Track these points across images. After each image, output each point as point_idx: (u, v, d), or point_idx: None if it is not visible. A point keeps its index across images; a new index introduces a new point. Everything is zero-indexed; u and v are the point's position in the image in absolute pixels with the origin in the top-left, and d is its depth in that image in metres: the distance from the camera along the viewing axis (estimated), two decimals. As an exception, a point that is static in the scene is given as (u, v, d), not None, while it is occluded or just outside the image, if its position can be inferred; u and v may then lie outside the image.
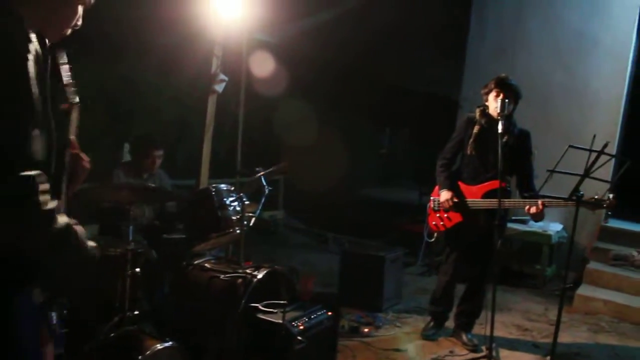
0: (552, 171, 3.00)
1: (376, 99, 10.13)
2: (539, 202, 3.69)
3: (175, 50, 6.15)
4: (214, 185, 3.87)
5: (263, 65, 6.81)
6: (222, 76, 4.85)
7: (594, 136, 2.92)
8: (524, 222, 6.40)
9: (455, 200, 4.04)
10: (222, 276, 3.45)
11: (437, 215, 4.19)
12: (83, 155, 1.77)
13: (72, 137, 1.67)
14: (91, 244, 1.50)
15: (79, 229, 1.47)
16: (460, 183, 4.12)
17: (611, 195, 3.33)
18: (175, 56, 6.23)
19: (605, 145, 2.99)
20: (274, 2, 5.64)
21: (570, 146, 2.86)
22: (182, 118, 7.43)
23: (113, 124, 6.70)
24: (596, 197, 3.29)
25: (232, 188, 3.87)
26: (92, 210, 4.15)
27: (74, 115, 1.61)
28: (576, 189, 3.12)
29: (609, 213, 3.35)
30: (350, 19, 8.03)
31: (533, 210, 3.73)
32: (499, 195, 3.61)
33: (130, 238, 3.55)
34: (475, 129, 4.03)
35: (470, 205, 4.02)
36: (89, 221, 4.86)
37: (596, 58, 6.56)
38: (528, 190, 3.96)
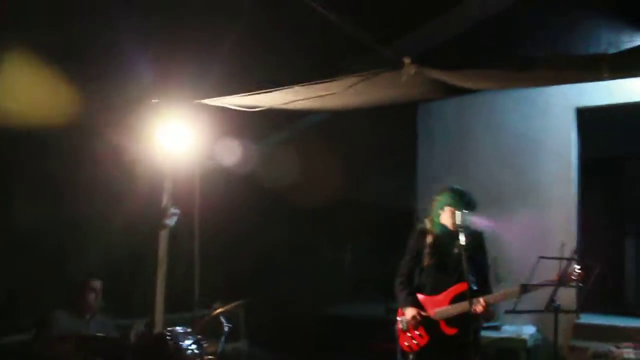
0: (525, 285, 2.90)
1: (334, 216, 10.10)
2: (481, 299, 3.67)
3: (123, 186, 6.03)
4: (169, 329, 3.63)
5: (215, 191, 6.72)
6: (173, 210, 4.73)
7: (562, 244, 2.87)
8: (496, 328, 6.23)
9: (423, 314, 3.90)
10: None
11: (408, 334, 4.01)
12: None
13: None
14: None
15: None
16: (422, 297, 4.00)
17: (577, 267, 3.26)
18: (124, 191, 6.10)
19: (575, 251, 2.93)
20: (222, 129, 5.65)
21: (541, 257, 2.79)
22: (134, 253, 7.16)
23: (60, 267, 6.38)
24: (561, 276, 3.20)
25: (189, 330, 3.63)
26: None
27: None
28: (552, 299, 3.01)
29: (580, 285, 3.23)
30: (300, 139, 8.16)
31: (479, 309, 3.67)
32: (469, 297, 3.57)
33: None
34: (429, 238, 4.01)
35: (440, 315, 3.88)
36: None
37: (542, 158, 6.73)
38: (483, 289, 3.87)
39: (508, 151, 6.93)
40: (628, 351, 5.74)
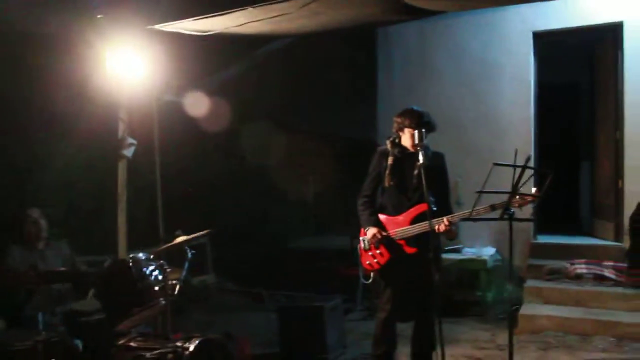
0: (480, 192, 2.95)
1: (295, 149, 10.06)
2: (444, 219, 3.75)
3: (81, 118, 5.85)
4: (131, 255, 3.61)
5: (174, 126, 6.60)
6: (130, 140, 4.63)
7: (516, 150, 2.90)
8: (458, 250, 6.40)
9: (384, 233, 3.97)
10: (148, 354, 3.15)
11: (370, 253, 4.07)
12: None
13: None
14: None
15: None
16: (383, 217, 4.06)
17: (534, 189, 3.35)
18: (82, 124, 5.93)
19: (528, 159, 2.99)
20: (178, 61, 5.49)
21: (495, 164, 2.83)
22: (98, 188, 7.03)
23: (21, 203, 6.24)
24: (519, 196, 3.27)
25: (152, 256, 3.60)
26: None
27: None
28: (507, 207, 3.08)
29: (535, 206, 3.34)
30: (256, 73, 8.01)
31: (441, 228, 3.75)
32: (430, 217, 3.64)
33: (41, 327, 3.23)
34: (390, 160, 4.00)
35: (400, 234, 3.95)
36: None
37: (501, 83, 6.77)
38: (445, 209, 3.92)
39: (468, 76, 6.94)
40: (580, 267, 6.02)
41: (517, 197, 3.24)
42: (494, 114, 6.81)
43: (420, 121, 3.92)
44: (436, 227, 3.74)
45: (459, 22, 6.93)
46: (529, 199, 3.32)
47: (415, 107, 4.04)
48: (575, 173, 8.18)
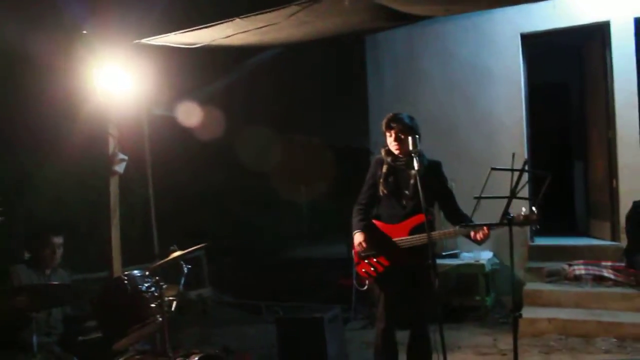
0: (479, 198, 2.92)
1: (287, 159, 10.05)
2: (484, 227, 3.55)
3: (70, 135, 5.80)
4: (126, 272, 3.55)
5: (165, 140, 6.55)
6: (121, 155, 4.57)
7: (513, 154, 2.88)
8: (455, 255, 6.37)
9: (370, 240, 3.86)
10: (147, 373, 3.09)
11: (366, 262, 3.98)
12: None
13: None
14: None
15: None
16: (380, 223, 3.96)
17: (534, 209, 3.31)
18: (70, 141, 5.88)
19: (525, 163, 2.96)
20: (168, 74, 5.45)
21: (493, 169, 2.80)
22: (90, 205, 6.96)
23: (12, 224, 6.17)
24: (523, 213, 3.24)
25: (147, 273, 3.55)
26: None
27: None
28: (506, 212, 3.05)
29: (536, 228, 3.28)
30: (247, 83, 8.00)
31: (480, 236, 3.59)
32: (427, 229, 3.51)
33: (36, 349, 3.16)
34: (384, 168, 3.94)
35: (399, 243, 3.86)
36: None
37: (492, 86, 6.78)
38: (459, 216, 3.80)
39: (458, 80, 6.95)
40: (579, 268, 6.00)
41: (522, 217, 3.22)
42: (486, 117, 6.81)
43: (388, 122, 3.87)
44: (472, 234, 3.61)
45: (447, 26, 6.94)
46: (532, 219, 3.25)
47: (395, 112, 3.97)
48: (569, 173, 8.17)
